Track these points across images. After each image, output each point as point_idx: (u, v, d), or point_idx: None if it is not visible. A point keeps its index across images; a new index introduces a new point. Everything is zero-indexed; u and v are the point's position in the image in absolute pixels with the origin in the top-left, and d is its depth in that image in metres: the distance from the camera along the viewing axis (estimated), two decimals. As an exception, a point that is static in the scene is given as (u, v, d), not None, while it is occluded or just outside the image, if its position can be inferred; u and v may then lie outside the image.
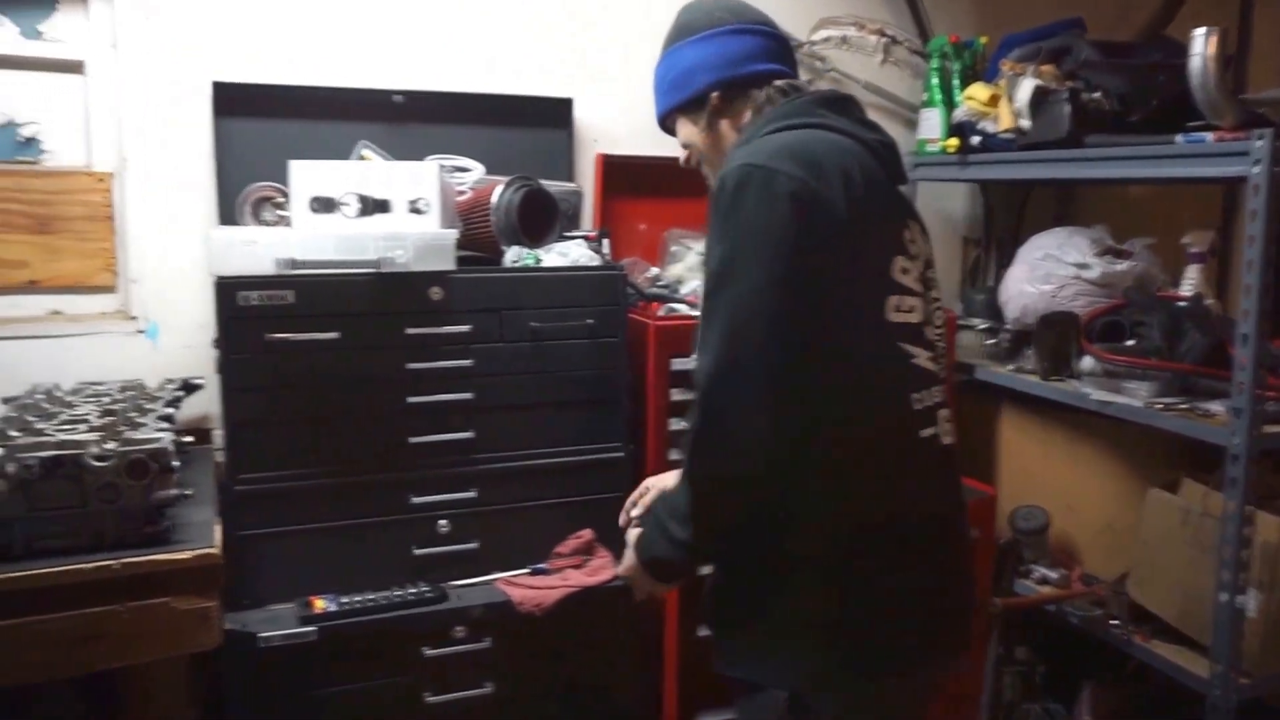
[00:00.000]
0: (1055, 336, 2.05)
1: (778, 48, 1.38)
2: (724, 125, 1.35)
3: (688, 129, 1.39)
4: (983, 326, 2.39)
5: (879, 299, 1.18)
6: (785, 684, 1.20)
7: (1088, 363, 2.01)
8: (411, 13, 2.05)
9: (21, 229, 1.84)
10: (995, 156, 2.18)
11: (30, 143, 1.85)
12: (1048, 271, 2.11)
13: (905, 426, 1.20)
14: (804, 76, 2.38)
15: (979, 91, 2.22)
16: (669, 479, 1.66)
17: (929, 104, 2.38)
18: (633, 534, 1.38)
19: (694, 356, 1.19)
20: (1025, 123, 2.01)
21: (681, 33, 1.38)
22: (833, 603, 1.17)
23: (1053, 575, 2.15)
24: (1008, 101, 2.06)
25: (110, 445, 1.38)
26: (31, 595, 1.32)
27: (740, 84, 1.33)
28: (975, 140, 2.23)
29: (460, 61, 2.09)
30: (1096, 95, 1.94)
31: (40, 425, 1.45)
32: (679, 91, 1.37)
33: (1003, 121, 2.07)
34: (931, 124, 2.37)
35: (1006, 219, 2.67)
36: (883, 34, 2.47)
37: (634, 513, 1.51)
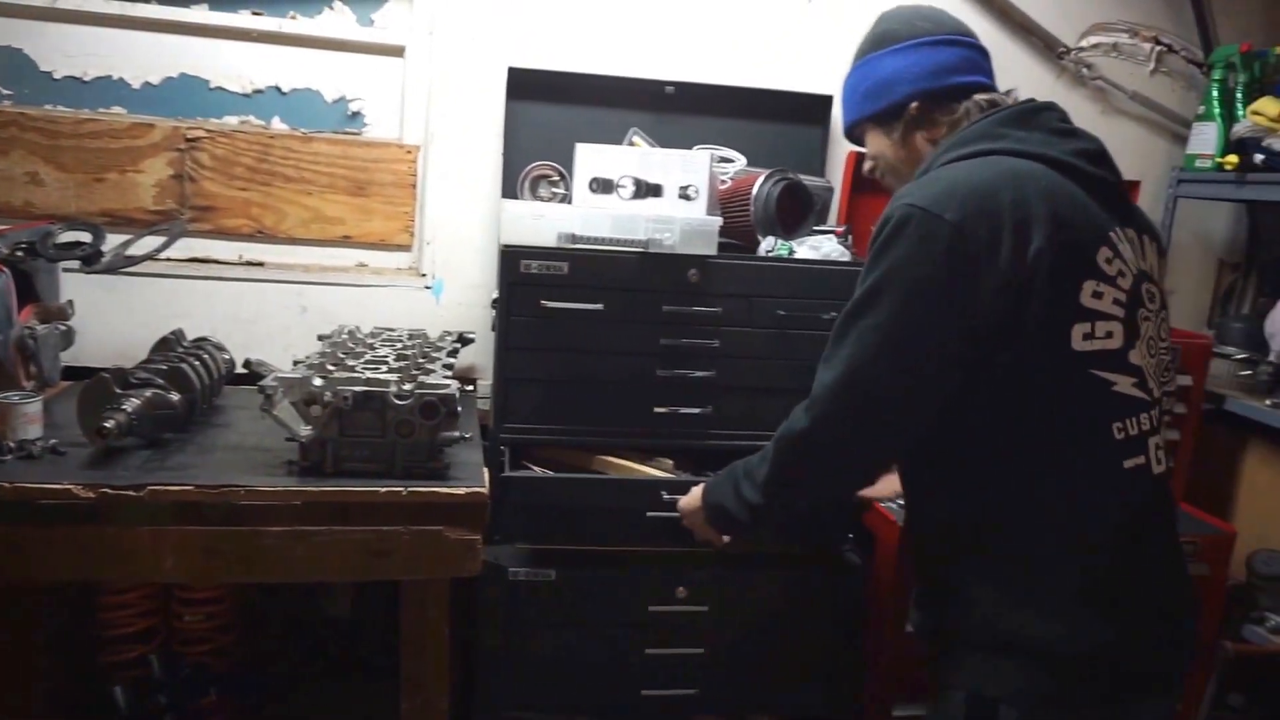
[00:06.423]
0: (1341, 377, 1.75)
1: (979, 59, 1.25)
2: (919, 138, 1.23)
3: (879, 141, 1.28)
4: (1239, 356, 2.09)
5: (1063, 329, 1.04)
6: (964, 685, 1.12)
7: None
8: (685, 8, 2.02)
9: (342, 190, 1.97)
10: (1283, 177, 1.88)
11: (355, 116, 1.98)
12: (1338, 305, 1.81)
13: (1106, 458, 1.07)
14: (1067, 83, 2.18)
15: (1268, 106, 1.92)
16: None
17: (1205, 118, 2.08)
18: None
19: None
20: (1333, 142, 1.72)
21: (880, 42, 1.26)
22: (1024, 624, 1.07)
23: (1292, 627, 1.87)
24: (1312, 118, 1.76)
25: (408, 386, 1.45)
26: (337, 509, 1.41)
27: (940, 96, 1.21)
28: (1258, 158, 1.93)
29: (729, 55, 2.04)
30: None
31: (350, 362, 1.54)
32: (874, 101, 1.26)
33: (1301, 139, 1.78)
34: (1206, 139, 2.07)
35: (1273, 244, 2.31)
36: (1157, 42, 2.18)
37: None
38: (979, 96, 1.20)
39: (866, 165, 1.35)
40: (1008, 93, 1.23)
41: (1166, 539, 1.15)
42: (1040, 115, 1.16)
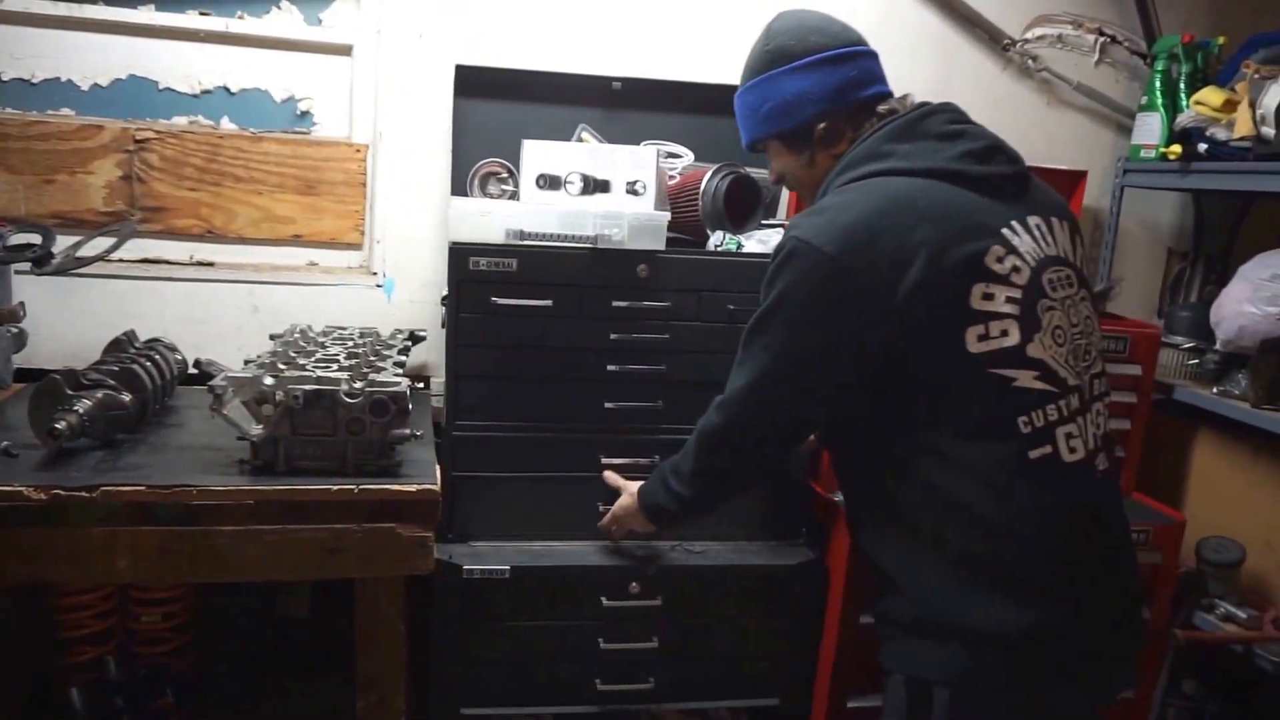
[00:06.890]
0: (1277, 363, 1.82)
1: (873, 65, 1.31)
2: (824, 155, 1.31)
3: (785, 158, 1.36)
4: (1186, 345, 2.15)
5: (956, 334, 1.11)
6: (901, 669, 1.20)
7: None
8: (632, 6, 2.06)
9: (292, 190, 2.00)
10: (1225, 166, 1.95)
11: (305, 116, 2.01)
12: (1275, 293, 1.87)
13: (1012, 451, 1.12)
14: (1013, 74, 2.24)
15: (1211, 96, 1.98)
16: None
17: (1148, 108, 2.15)
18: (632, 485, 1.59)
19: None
20: (1269, 130, 1.78)
21: (776, 59, 1.31)
22: (948, 610, 1.15)
23: (1240, 614, 1.93)
24: (1248, 107, 1.82)
25: (359, 384, 1.48)
26: (289, 507, 1.44)
27: (845, 115, 1.28)
28: (1202, 148, 1.99)
29: (674, 51, 2.08)
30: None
31: (301, 361, 1.57)
32: (779, 122, 1.32)
33: (1240, 128, 1.84)
34: (1150, 129, 2.14)
35: (1219, 233, 2.38)
36: (1101, 33, 2.25)
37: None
38: (880, 107, 1.27)
39: (774, 177, 1.42)
40: (903, 98, 1.29)
41: (1096, 525, 1.18)
42: (925, 122, 1.22)
